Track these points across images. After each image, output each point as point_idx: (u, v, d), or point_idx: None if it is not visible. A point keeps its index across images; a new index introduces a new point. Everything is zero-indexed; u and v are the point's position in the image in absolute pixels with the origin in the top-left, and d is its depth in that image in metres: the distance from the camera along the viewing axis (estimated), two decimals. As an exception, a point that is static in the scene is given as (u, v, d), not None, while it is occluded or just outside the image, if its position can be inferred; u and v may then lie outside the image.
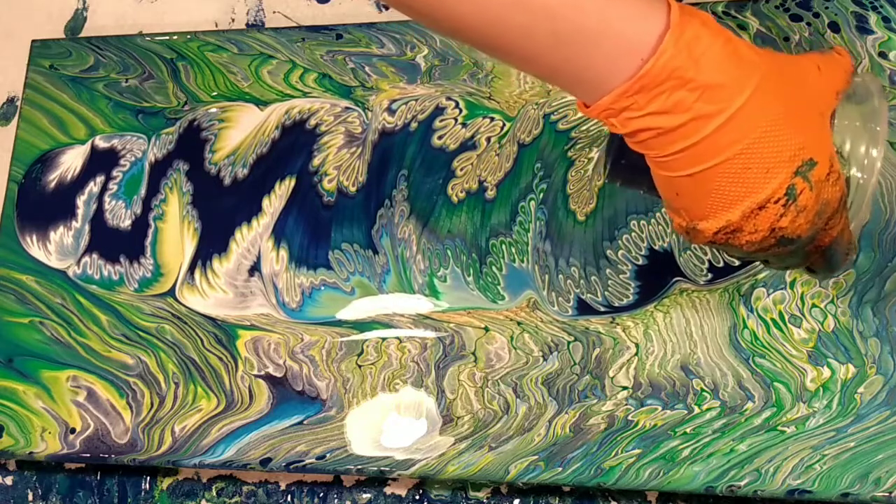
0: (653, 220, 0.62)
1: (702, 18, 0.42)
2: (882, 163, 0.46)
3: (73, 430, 0.66)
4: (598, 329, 0.61)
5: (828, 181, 0.44)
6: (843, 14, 0.62)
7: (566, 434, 0.59)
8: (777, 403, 0.57)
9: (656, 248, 0.61)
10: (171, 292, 0.68)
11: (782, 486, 0.55)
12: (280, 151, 0.70)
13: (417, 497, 0.62)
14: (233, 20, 0.76)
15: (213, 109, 0.72)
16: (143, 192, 0.71)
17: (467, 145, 0.66)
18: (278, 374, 0.65)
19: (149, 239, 0.70)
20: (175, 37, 0.74)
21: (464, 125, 0.67)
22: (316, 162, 0.69)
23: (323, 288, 0.66)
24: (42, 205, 0.73)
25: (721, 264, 0.60)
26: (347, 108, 0.69)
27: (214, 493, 0.65)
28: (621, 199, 0.63)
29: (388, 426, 0.62)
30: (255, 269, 0.67)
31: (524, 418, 0.60)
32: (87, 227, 0.71)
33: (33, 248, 0.72)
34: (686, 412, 0.58)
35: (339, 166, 0.68)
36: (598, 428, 0.59)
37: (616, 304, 0.61)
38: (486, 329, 0.62)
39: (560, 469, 0.58)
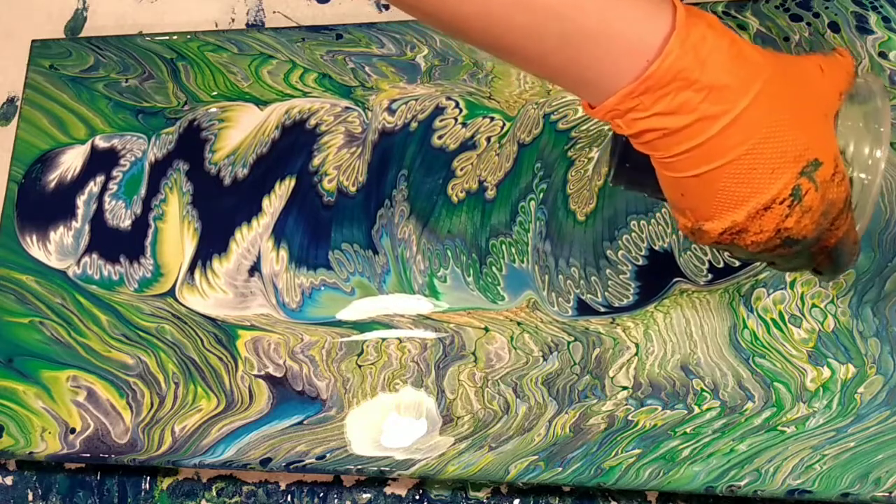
0: (653, 221, 0.62)
1: (707, 20, 0.42)
2: (886, 163, 0.46)
3: (73, 430, 0.66)
4: (598, 329, 0.61)
5: (833, 181, 0.44)
6: (843, 14, 0.62)
7: (566, 434, 0.59)
8: (777, 403, 0.57)
9: (656, 248, 0.62)
10: (171, 292, 0.68)
11: (782, 486, 0.55)
12: (280, 151, 0.70)
13: (417, 497, 0.62)
14: (233, 20, 0.76)
15: (213, 109, 0.72)
16: (143, 192, 0.71)
17: (467, 145, 0.66)
18: (278, 374, 0.65)
19: (149, 239, 0.70)
20: (175, 37, 0.74)
21: (464, 125, 0.67)
22: (316, 162, 0.69)
23: (323, 288, 0.66)
24: (42, 205, 0.73)
25: (721, 265, 0.60)
26: (347, 107, 0.69)
27: (214, 493, 0.65)
28: (621, 199, 0.63)
29: (388, 426, 0.62)
30: (255, 269, 0.67)
31: (524, 418, 0.60)
32: (87, 227, 0.71)
33: (33, 248, 0.72)
34: (686, 412, 0.58)
35: (339, 166, 0.68)
36: (598, 428, 0.59)
37: (616, 305, 0.61)
38: (486, 329, 0.62)
39: (560, 469, 0.58)
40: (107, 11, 0.79)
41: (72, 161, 0.73)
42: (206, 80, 0.72)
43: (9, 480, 0.69)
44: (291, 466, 0.62)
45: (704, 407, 0.58)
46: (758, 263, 0.59)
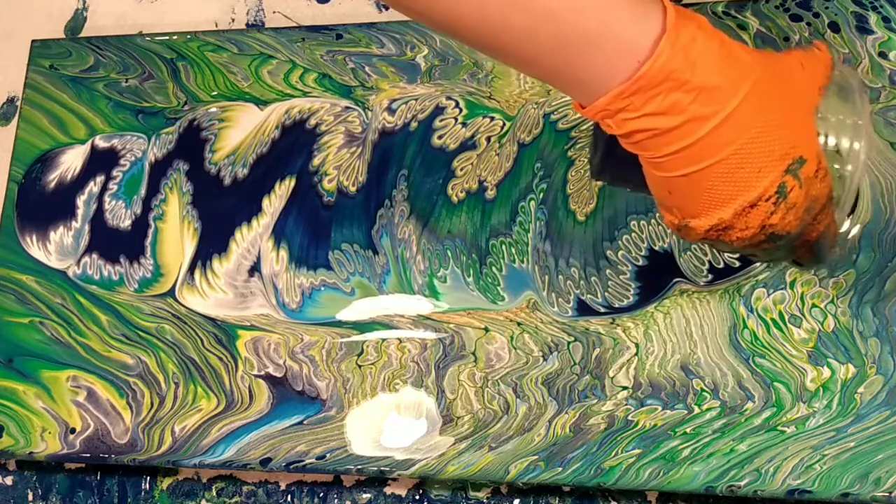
0: (653, 221, 0.62)
1: (697, 21, 0.43)
2: (866, 156, 0.47)
3: (73, 430, 0.66)
4: (598, 330, 0.61)
5: (816, 178, 0.45)
6: (843, 14, 0.62)
7: (566, 434, 0.59)
8: (777, 403, 0.57)
9: (656, 248, 0.62)
10: (170, 293, 0.68)
11: (782, 486, 0.55)
12: (280, 151, 0.70)
13: (417, 497, 0.62)
14: (233, 20, 0.76)
15: (213, 109, 0.72)
16: (143, 192, 0.71)
17: (467, 145, 0.66)
18: (278, 374, 0.65)
19: (149, 239, 0.70)
20: (175, 37, 0.74)
21: (464, 125, 0.67)
22: (316, 162, 0.69)
23: (323, 288, 0.66)
24: (42, 205, 0.73)
25: (721, 265, 0.60)
26: (347, 107, 0.69)
27: (214, 493, 0.65)
28: (621, 200, 0.63)
29: (388, 426, 0.62)
30: (255, 269, 0.67)
31: (524, 418, 0.60)
32: (86, 227, 0.72)
33: (33, 248, 0.72)
34: (686, 412, 0.58)
35: (339, 166, 0.68)
36: (598, 428, 0.59)
37: (616, 305, 0.61)
38: (486, 329, 0.63)
39: (560, 469, 0.58)
40: (107, 11, 0.79)
41: (72, 161, 0.74)
42: (206, 80, 0.72)
43: (9, 480, 0.69)
44: (291, 466, 0.62)
45: (704, 407, 0.58)
46: (757, 264, 0.59)
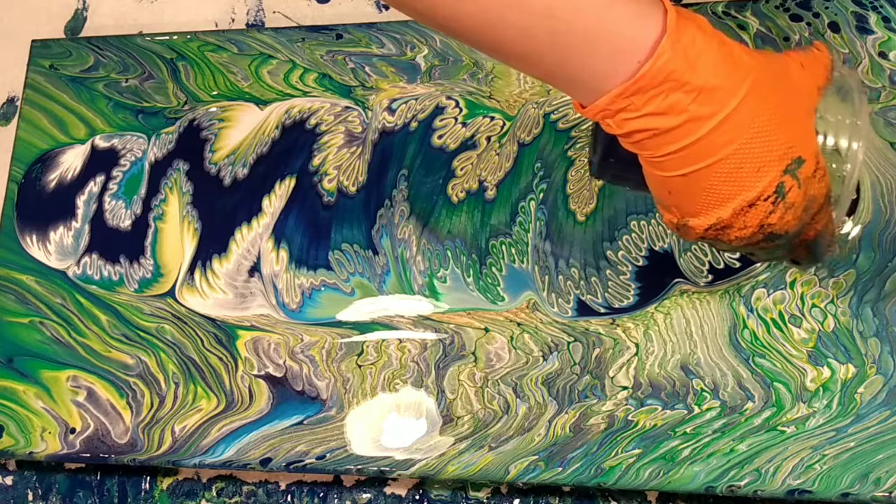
0: (653, 221, 0.62)
1: (697, 22, 0.43)
2: (864, 156, 0.47)
3: (73, 430, 0.66)
4: (598, 330, 0.61)
5: (814, 178, 0.45)
6: (843, 14, 0.62)
7: (566, 434, 0.59)
8: (777, 403, 0.57)
9: (656, 248, 0.62)
10: (170, 293, 0.69)
11: (782, 486, 0.55)
12: (280, 151, 0.70)
13: (417, 497, 0.62)
14: (233, 20, 0.76)
15: (213, 109, 0.72)
16: (143, 191, 0.71)
17: (467, 145, 0.66)
18: (278, 374, 0.65)
19: (149, 239, 0.70)
20: (175, 37, 0.74)
21: (464, 124, 0.67)
22: (316, 161, 0.69)
23: (323, 289, 0.66)
24: (42, 205, 0.73)
25: (721, 266, 0.60)
26: (347, 107, 0.69)
27: (214, 493, 0.65)
28: (621, 200, 0.63)
29: (388, 426, 0.62)
30: (254, 269, 0.68)
31: (524, 418, 0.60)
32: (86, 227, 0.72)
33: (33, 248, 0.72)
34: (686, 412, 0.58)
35: (340, 166, 0.68)
36: (598, 428, 0.59)
37: (616, 306, 0.61)
38: (486, 330, 0.63)
39: (560, 469, 0.58)
40: (107, 11, 0.79)
41: (72, 161, 0.74)
42: (206, 80, 0.73)
43: (9, 480, 0.69)
44: (291, 466, 0.62)
45: (704, 407, 0.58)
46: (758, 264, 0.59)
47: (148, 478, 0.67)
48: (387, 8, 0.73)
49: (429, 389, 0.62)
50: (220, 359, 0.66)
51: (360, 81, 0.70)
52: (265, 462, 0.63)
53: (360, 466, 0.61)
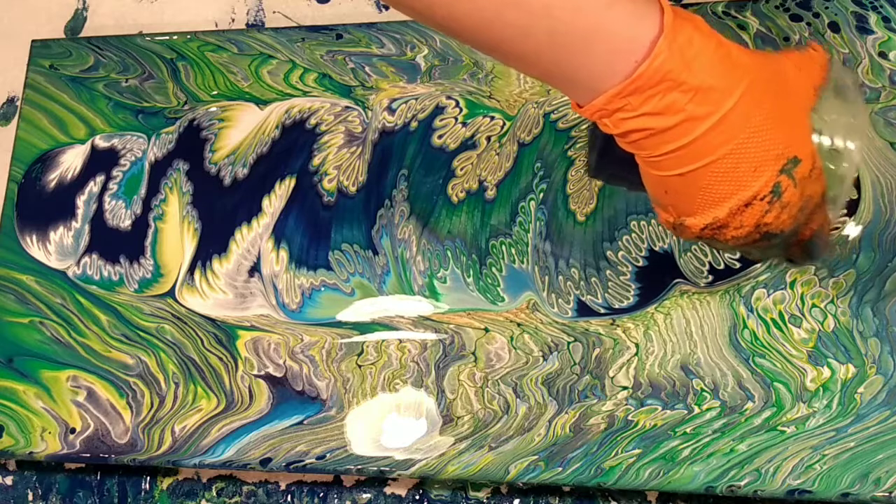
0: (653, 221, 0.62)
1: (694, 22, 0.43)
2: (860, 156, 0.47)
3: (73, 430, 0.67)
4: (598, 330, 0.61)
5: (810, 178, 0.45)
6: (843, 14, 0.62)
7: (566, 434, 0.59)
8: (777, 403, 0.57)
9: (656, 249, 0.62)
10: (170, 293, 0.69)
11: (782, 486, 0.55)
12: (280, 151, 0.70)
13: (417, 497, 0.62)
14: (233, 20, 0.76)
15: (213, 109, 0.72)
16: (143, 191, 0.71)
17: (467, 144, 0.66)
18: (278, 374, 0.65)
19: (149, 239, 0.70)
20: (175, 37, 0.74)
21: (464, 124, 0.67)
22: (316, 161, 0.69)
23: (323, 289, 0.66)
24: (42, 205, 0.73)
25: (722, 266, 0.60)
26: (347, 107, 0.69)
27: (214, 493, 0.65)
28: (621, 200, 0.63)
29: (388, 426, 0.62)
30: (254, 269, 0.68)
31: (524, 418, 0.60)
32: (86, 228, 0.72)
33: (33, 248, 0.72)
34: (686, 412, 0.58)
35: (340, 166, 0.68)
36: (598, 428, 0.59)
37: (616, 306, 0.61)
38: (486, 330, 0.63)
39: (560, 469, 0.58)
40: (107, 11, 0.79)
41: (72, 161, 0.74)
42: (206, 80, 0.73)
43: (9, 480, 0.69)
44: (291, 466, 0.62)
45: (704, 407, 0.58)
46: (758, 265, 0.59)
47: (148, 478, 0.67)
48: (387, 8, 0.73)
49: (429, 389, 0.62)
50: (220, 359, 0.66)
51: (360, 81, 0.70)
52: (265, 462, 0.63)
53: (360, 466, 0.61)
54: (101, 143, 0.74)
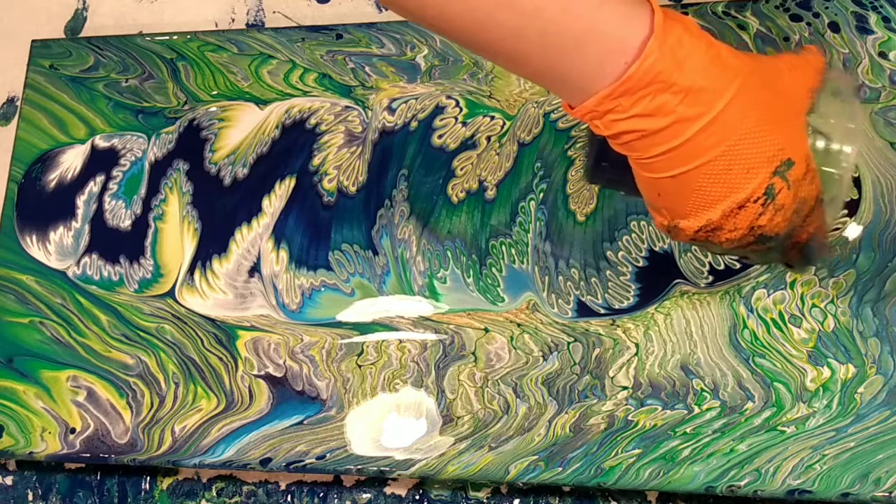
0: (653, 222, 0.62)
1: (684, 23, 0.43)
2: (856, 159, 0.47)
3: (73, 430, 0.67)
4: (598, 331, 0.61)
5: (805, 180, 0.45)
6: (843, 14, 0.62)
7: (566, 434, 0.59)
8: (777, 403, 0.57)
9: (656, 249, 0.62)
10: (170, 293, 0.69)
11: (782, 486, 0.55)
12: (280, 151, 0.70)
13: (417, 497, 0.62)
14: (233, 20, 0.76)
15: (213, 109, 0.72)
16: (143, 191, 0.71)
17: (467, 144, 0.66)
18: (278, 374, 0.65)
19: (149, 239, 0.70)
20: (175, 37, 0.74)
21: (464, 124, 0.67)
22: (316, 161, 0.69)
23: (323, 289, 0.66)
24: (42, 205, 0.73)
25: (722, 267, 0.60)
26: (347, 106, 0.69)
27: (214, 493, 0.65)
28: (621, 200, 0.63)
29: (388, 426, 0.62)
30: (254, 269, 0.68)
31: (524, 418, 0.60)
32: (86, 228, 0.72)
33: (33, 248, 0.72)
34: (686, 412, 0.58)
35: (340, 166, 0.68)
36: (598, 428, 0.59)
37: (616, 307, 0.61)
38: (486, 330, 0.63)
39: (560, 469, 0.58)
40: (107, 11, 0.79)
41: (72, 161, 0.74)
42: (206, 80, 0.73)
43: (9, 480, 0.69)
44: (291, 466, 0.62)
45: (704, 407, 0.58)
46: (758, 266, 0.59)
47: (148, 478, 0.67)
48: (387, 8, 0.73)
49: (429, 389, 0.62)
50: (220, 359, 0.66)
51: (360, 81, 0.70)
52: (265, 462, 0.63)
53: (360, 466, 0.61)
54: (101, 143, 0.74)
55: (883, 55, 0.62)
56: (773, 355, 0.58)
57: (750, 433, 0.57)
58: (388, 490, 0.63)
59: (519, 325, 0.62)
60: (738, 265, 0.60)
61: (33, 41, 0.77)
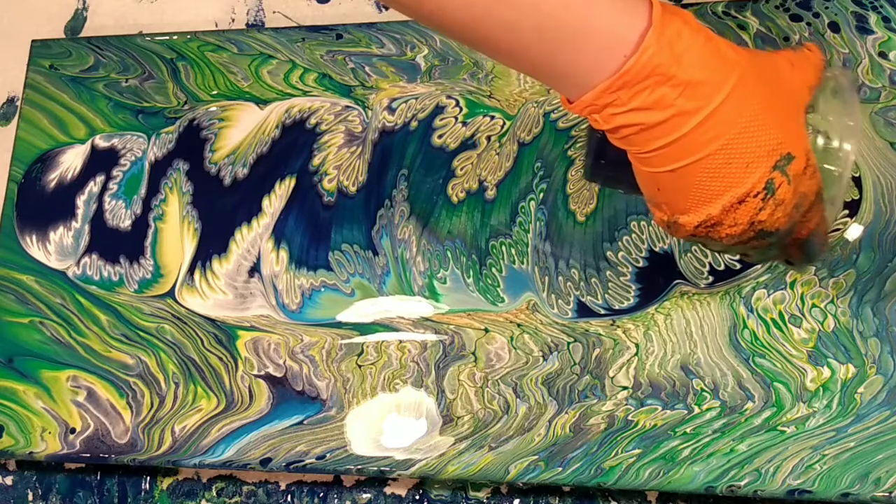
0: (653, 222, 0.62)
1: (683, 17, 0.43)
2: (856, 156, 0.47)
3: (73, 430, 0.67)
4: (598, 331, 0.61)
5: (805, 175, 0.45)
6: (843, 14, 0.63)
7: (566, 434, 0.59)
8: (777, 403, 0.57)
9: (656, 249, 0.62)
10: (170, 293, 0.69)
11: (782, 486, 0.56)
12: (280, 151, 0.70)
13: (417, 497, 0.63)
14: (233, 20, 0.76)
15: (213, 108, 0.72)
16: (143, 191, 0.72)
17: (467, 144, 0.67)
18: (278, 374, 0.65)
19: (149, 239, 0.70)
20: (175, 37, 0.74)
21: (464, 124, 0.67)
22: (316, 161, 0.69)
23: (323, 289, 0.66)
24: (42, 205, 0.73)
25: (722, 267, 0.60)
26: (347, 106, 0.69)
27: (214, 493, 0.65)
28: (621, 200, 0.63)
29: (388, 426, 0.62)
30: (254, 270, 0.68)
31: (524, 418, 0.60)
32: (86, 228, 0.72)
33: (33, 248, 0.72)
34: (686, 412, 0.58)
35: (340, 166, 0.68)
36: (598, 428, 0.59)
37: (616, 307, 0.61)
38: (486, 330, 0.63)
39: (560, 469, 0.59)
40: (107, 11, 0.79)
41: (72, 161, 0.74)
42: (206, 80, 0.73)
43: (9, 480, 0.69)
44: (291, 466, 0.62)
45: (704, 407, 0.58)
46: (758, 266, 0.59)
47: (148, 478, 0.67)
48: (387, 8, 0.73)
49: (429, 389, 0.62)
50: (220, 359, 0.66)
51: (360, 81, 0.70)
52: (265, 462, 0.63)
53: (360, 466, 0.61)
54: (101, 142, 0.74)
55: (883, 55, 0.62)
56: (773, 355, 0.58)
57: (750, 433, 0.57)
58: (388, 490, 0.63)
59: (519, 325, 0.62)
60: (738, 265, 0.60)
61: (33, 41, 0.77)
